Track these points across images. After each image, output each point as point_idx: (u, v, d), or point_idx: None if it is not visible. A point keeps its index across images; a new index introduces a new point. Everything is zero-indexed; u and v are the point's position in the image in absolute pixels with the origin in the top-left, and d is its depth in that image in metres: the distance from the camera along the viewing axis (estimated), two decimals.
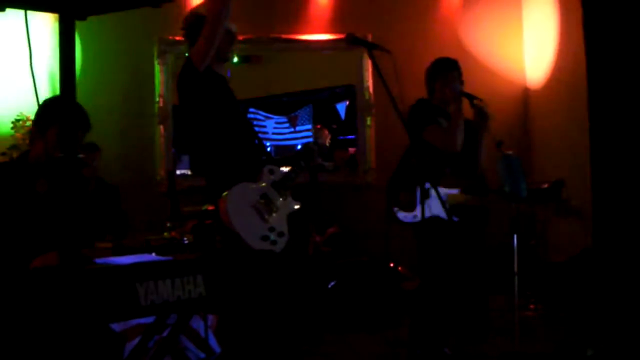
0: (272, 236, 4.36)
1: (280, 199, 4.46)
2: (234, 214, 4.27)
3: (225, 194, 4.30)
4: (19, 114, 7.74)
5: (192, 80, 4.57)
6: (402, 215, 5.41)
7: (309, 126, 9.72)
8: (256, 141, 4.92)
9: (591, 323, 6.36)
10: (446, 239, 5.37)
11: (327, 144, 5.08)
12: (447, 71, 5.62)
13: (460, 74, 5.67)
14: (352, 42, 4.91)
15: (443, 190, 5.20)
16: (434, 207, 5.22)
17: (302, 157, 4.82)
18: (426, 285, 5.51)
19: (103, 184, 7.29)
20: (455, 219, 5.31)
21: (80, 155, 6.32)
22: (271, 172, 4.53)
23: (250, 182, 4.44)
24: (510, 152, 5.50)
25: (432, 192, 5.17)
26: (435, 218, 5.28)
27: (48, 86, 8.12)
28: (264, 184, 4.46)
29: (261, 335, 4.51)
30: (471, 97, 5.55)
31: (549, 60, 8.39)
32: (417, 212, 5.25)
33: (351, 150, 9.78)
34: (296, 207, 4.54)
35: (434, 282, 5.44)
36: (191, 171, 8.93)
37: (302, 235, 4.87)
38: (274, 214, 4.42)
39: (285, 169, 4.62)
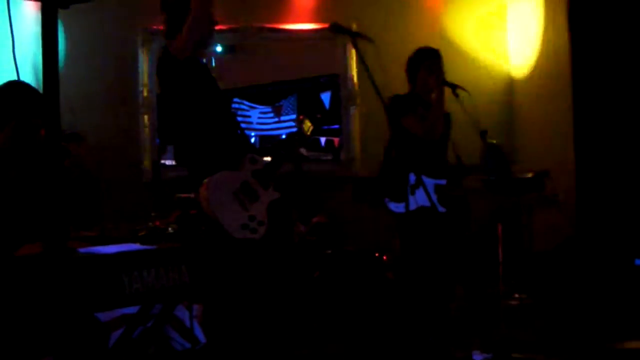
0: (252, 225, 4.35)
1: (262, 188, 4.45)
2: (213, 201, 4.26)
3: (205, 181, 4.29)
4: None
5: (173, 69, 4.53)
6: (394, 205, 5.42)
7: (294, 116, 9.69)
8: (238, 131, 4.90)
9: (573, 310, 6.41)
10: (432, 230, 5.38)
11: (309, 134, 5.05)
12: (430, 60, 5.62)
13: (442, 64, 5.67)
14: (336, 31, 4.91)
15: (431, 181, 5.22)
16: (422, 198, 5.24)
17: (283, 146, 4.81)
18: (410, 275, 5.52)
19: (86, 175, 7.27)
20: (442, 209, 5.33)
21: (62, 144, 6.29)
22: (252, 161, 4.51)
23: (232, 171, 4.43)
24: (494, 142, 5.52)
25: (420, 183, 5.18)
26: (423, 208, 5.29)
27: (32, 76, 8.08)
28: (245, 173, 4.44)
29: (246, 325, 4.51)
30: (454, 87, 5.55)
31: (534, 50, 8.41)
32: (408, 202, 5.25)
33: (335, 139, 9.78)
34: (277, 196, 4.53)
35: (417, 271, 5.46)
36: (175, 162, 8.91)
37: (286, 224, 4.86)
38: (255, 203, 4.41)
39: (267, 159, 4.61)
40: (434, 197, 5.11)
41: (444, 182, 5.45)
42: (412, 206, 5.22)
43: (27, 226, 3.82)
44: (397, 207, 5.42)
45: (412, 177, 5.19)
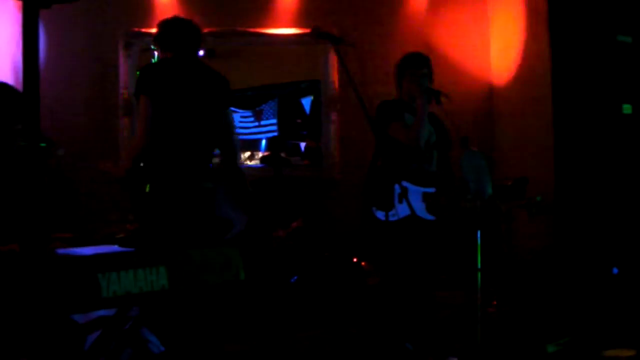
0: None
1: None
2: None
3: None
4: None
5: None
6: (381, 214, 5.40)
7: (274, 120, 9.70)
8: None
9: (552, 319, 6.42)
10: (420, 238, 5.37)
11: None
12: (416, 67, 5.61)
13: (430, 71, 5.66)
14: (317, 36, 4.90)
15: (419, 189, 5.21)
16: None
17: None
18: (389, 281, 5.51)
19: (58, 176, 7.22)
20: (431, 217, 5.33)
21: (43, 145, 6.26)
22: None
23: None
24: (474, 149, 5.52)
25: (409, 191, 5.18)
26: (411, 217, 5.28)
27: (11, 76, 8.03)
28: None
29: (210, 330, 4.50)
30: (437, 93, 5.54)
31: (515, 58, 8.44)
32: (396, 210, 5.24)
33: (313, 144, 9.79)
34: None
35: (398, 278, 5.44)
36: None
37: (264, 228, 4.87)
38: None
39: None
40: (423, 205, 5.10)
41: (432, 190, 5.44)
42: (401, 214, 5.21)
43: (5, 227, 3.79)
44: (384, 216, 5.41)
45: (399, 186, 5.18)
